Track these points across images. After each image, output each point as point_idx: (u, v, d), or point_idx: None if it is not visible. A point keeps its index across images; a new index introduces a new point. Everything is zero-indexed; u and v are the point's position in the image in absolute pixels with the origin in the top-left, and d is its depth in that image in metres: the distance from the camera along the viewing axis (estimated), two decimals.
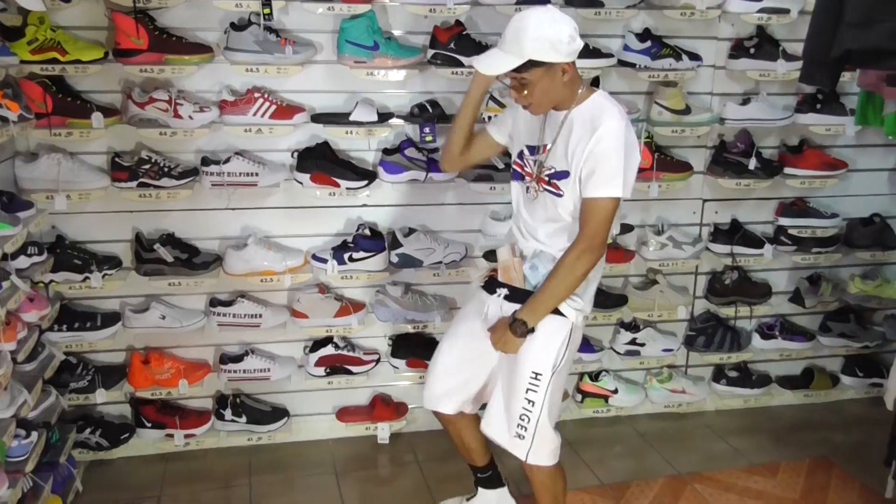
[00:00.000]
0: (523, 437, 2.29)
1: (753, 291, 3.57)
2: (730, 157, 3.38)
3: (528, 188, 2.31)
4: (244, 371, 3.17)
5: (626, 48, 3.19)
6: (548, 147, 2.24)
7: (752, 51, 3.26)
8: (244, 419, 3.23)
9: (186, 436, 3.20)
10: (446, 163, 2.60)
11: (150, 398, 3.16)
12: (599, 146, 2.11)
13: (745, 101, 3.34)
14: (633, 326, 3.52)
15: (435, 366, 2.53)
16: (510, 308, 2.29)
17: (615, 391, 3.54)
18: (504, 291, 2.34)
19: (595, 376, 3.54)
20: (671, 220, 3.51)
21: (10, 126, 2.46)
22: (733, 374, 3.67)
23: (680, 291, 3.54)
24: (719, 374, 3.68)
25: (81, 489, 2.97)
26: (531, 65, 2.09)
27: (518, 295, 2.29)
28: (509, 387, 2.30)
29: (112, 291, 3.04)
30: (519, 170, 2.36)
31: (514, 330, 2.21)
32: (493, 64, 2.16)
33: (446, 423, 2.61)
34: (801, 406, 3.76)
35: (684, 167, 3.37)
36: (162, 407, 3.19)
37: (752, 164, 3.34)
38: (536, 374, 2.24)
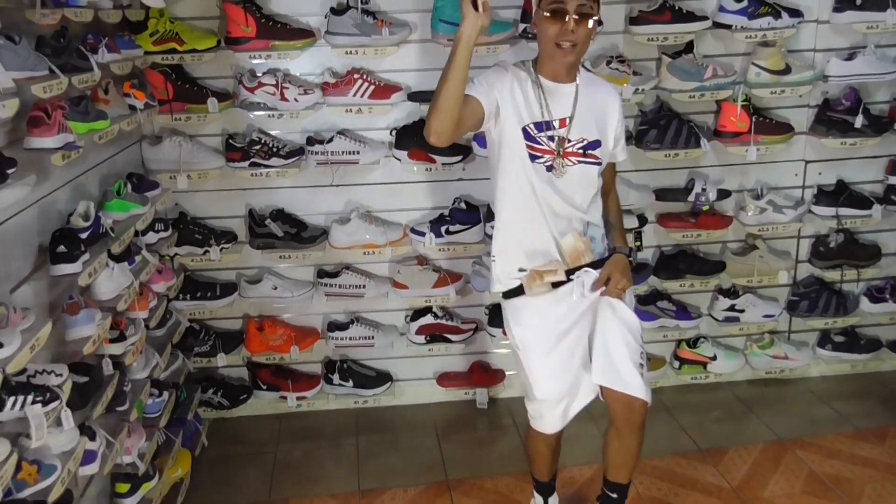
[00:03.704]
0: (643, 374, 2.24)
1: (861, 254, 3.45)
2: (834, 116, 3.27)
3: (550, 166, 2.20)
4: (350, 338, 3.36)
5: (722, 9, 3.13)
6: (567, 120, 2.20)
7: (858, 2, 3.13)
8: (351, 383, 3.43)
9: (298, 398, 3.43)
10: (440, 137, 2.14)
11: (265, 362, 3.40)
12: (621, 113, 2.32)
13: (851, 56, 3.21)
14: (731, 293, 3.47)
15: (542, 393, 2.38)
16: (595, 275, 2.26)
17: (714, 358, 3.52)
18: (581, 271, 2.28)
19: (693, 343, 3.53)
20: (771, 183, 3.43)
21: (138, 113, 2.70)
22: (840, 338, 3.57)
23: (781, 256, 3.46)
24: (825, 339, 3.59)
25: (207, 443, 3.25)
26: None
27: (594, 265, 2.28)
28: (625, 327, 2.25)
29: (229, 263, 3.28)
30: (532, 152, 2.19)
31: (631, 261, 2.34)
32: None
33: (541, 440, 2.54)
34: None
35: (784, 129, 3.28)
36: (276, 371, 3.43)
37: (860, 121, 3.22)
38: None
